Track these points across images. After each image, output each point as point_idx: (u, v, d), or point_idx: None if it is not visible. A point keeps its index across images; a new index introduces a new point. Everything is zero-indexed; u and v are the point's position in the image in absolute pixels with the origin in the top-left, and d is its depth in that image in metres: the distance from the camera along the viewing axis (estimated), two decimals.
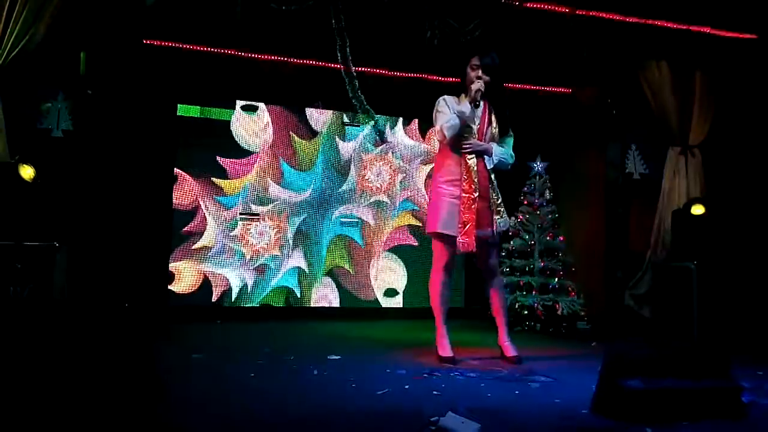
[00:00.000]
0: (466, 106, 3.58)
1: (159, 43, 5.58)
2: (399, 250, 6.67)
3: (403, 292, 6.63)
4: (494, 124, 3.77)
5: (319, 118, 6.55)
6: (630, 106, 5.84)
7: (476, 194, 3.56)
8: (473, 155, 3.62)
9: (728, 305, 4.72)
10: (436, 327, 3.69)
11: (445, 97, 3.74)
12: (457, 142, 3.61)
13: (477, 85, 3.57)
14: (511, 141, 3.85)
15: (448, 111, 3.62)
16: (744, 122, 5.55)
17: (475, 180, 3.58)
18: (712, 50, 5.45)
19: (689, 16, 5.20)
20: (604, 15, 4.98)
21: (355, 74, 4.82)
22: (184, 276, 5.96)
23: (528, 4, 4.96)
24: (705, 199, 5.26)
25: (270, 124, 6.37)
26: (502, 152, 3.74)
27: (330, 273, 6.42)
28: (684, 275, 4.76)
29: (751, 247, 5.23)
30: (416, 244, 6.71)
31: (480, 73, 3.61)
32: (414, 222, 6.74)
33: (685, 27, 5.22)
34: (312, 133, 6.51)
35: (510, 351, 3.67)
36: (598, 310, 5.75)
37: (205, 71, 5.87)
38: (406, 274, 6.65)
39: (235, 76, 5.99)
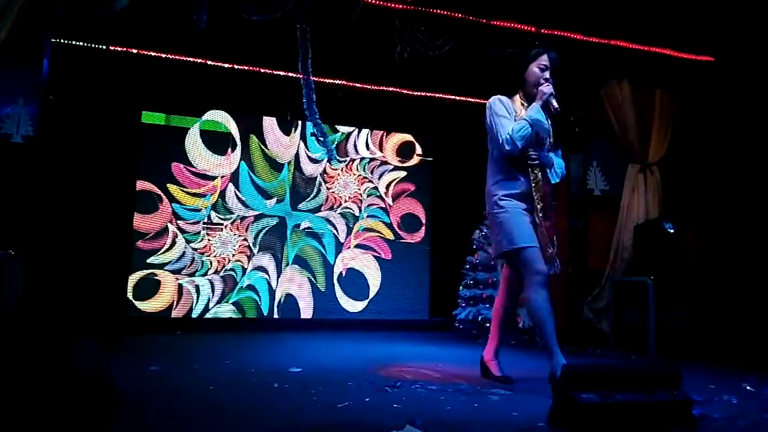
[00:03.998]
0: (537, 112, 3.11)
1: (124, 49, 5.51)
2: (368, 261, 6.68)
3: (369, 302, 6.62)
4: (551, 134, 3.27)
5: (287, 128, 6.54)
6: (592, 124, 5.97)
7: (542, 213, 3.14)
8: (538, 169, 3.16)
9: (685, 318, 4.85)
10: (553, 351, 3.12)
11: (501, 97, 3.23)
12: (522, 153, 3.13)
13: (549, 89, 3.12)
14: (560, 153, 3.33)
15: (508, 115, 3.16)
16: (701, 141, 5.73)
17: (541, 196, 3.15)
18: (672, 71, 5.62)
19: (650, 37, 5.36)
20: (568, 34, 5.10)
21: (313, 87, 4.82)
22: (145, 286, 5.86)
23: (495, 22, 5.05)
24: (668, 215, 5.40)
25: (237, 133, 6.33)
26: (561, 165, 3.26)
27: (295, 283, 6.39)
28: (641, 290, 4.87)
29: (707, 262, 5.39)
30: (389, 257, 6.72)
31: (548, 75, 3.17)
32: (384, 232, 6.75)
33: (645, 48, 5.37)
34: (279, 143, 6.50)
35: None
36: (558, 324, 5.82)
37: (171, 79, 5.82)
38: (372, 284, 6.66)
39: (202, 84, 5.96)
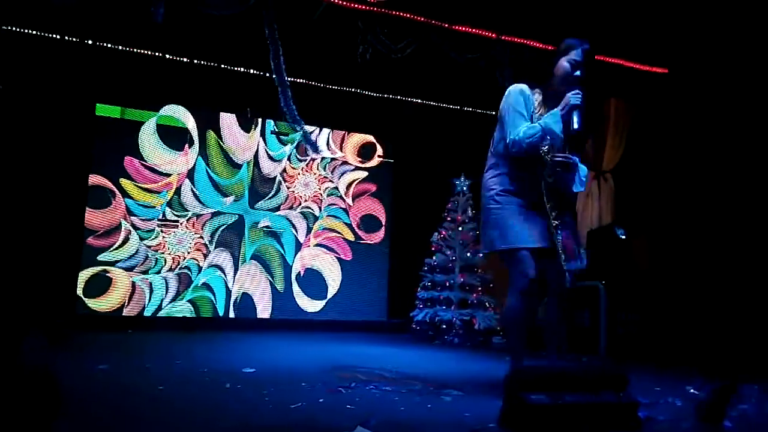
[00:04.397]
0: (555, 123, 2.70)
1: (79, 40, 5.37)
2: (327, 261, 6.64)
3: (327, 303, 6.59)
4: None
5: (246, 125, 6.46)
6: None
7: (557, 222, 2.84)
8: (555, 174, 2.84)
9: (634, 322, 4.98)
10: (516, 357, 2.99)
11: (524, 88, 2.85)
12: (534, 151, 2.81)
13: (577, 100, 2.70)
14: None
15: (525, 112, 2.81)
16: (654, 150, 5.90)
17: (556, 204, 2.84)
18: (627, 81, 5.77)
19: (606, 47, 5.49)
20: (526, 42, 5.19)
21: (288, 83, 4.78)
22: (96, 284, 5.70)
23: (456, 27, 5.10)
24: (621, 221, 5.54)
25: (195, 129, 6.23)
26: (585, 172, 2.90)
27: (253, 283, 6.31)
28: (592, 294, 4.98)
29: (657, 268, 5.54)
30: (348, 258, 6.71)
31: (579, 73, 2.78)
32: (344, 232, 6.73)
33: (601, 58, 5.49)
34: (238, 141, 6.42)
35: None
36: None
37: (128, 71, 5.69)
38: (331, 284, 6.63)
39: (160, 78, 5.84)
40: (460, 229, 5.94)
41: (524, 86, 2.87)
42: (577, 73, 2.76)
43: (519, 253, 2.83)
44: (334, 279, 6.64)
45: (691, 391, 3.38)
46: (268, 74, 5.01)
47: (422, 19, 5.11)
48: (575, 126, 2.69)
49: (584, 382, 2.38)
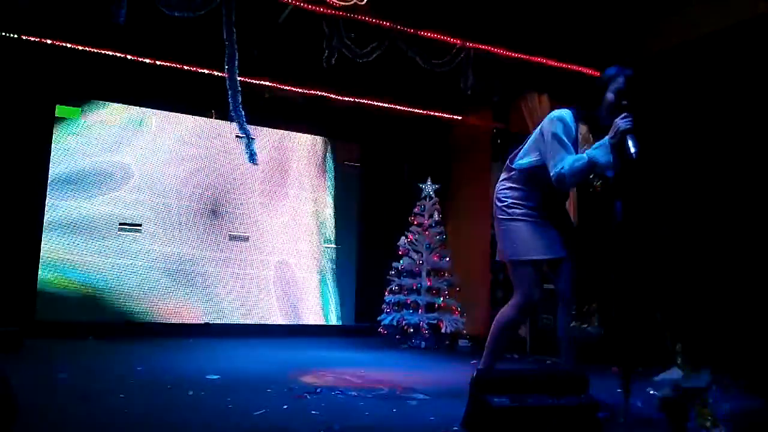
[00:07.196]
0: (605, 154, 2.59)
1: (40, 40, 5.24)
2: (295, 266, 6.59)
3: (296, 307, 6.54)
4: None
5: (212, 128, 6.37)
6: (513, 135, 6.15)
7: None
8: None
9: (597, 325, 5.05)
10: (488, 364, 2.97)
11: (568, 117, 2.73)
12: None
13: (626, 124, 2.54)
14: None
15: (569, 142, 2.69)
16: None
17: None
18: (587, 87, 5.87)
19: (568, 54, 5.58)
20: (491, 49, 5.23)
21: (239, 89, 4.71)
22: (55, 289, 5.56)
23: (422, 33, 5.12)
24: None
25: (159, 131, 6.12)
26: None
27: (217, 287, 6.23)
28: (556, 297, 5.04)
29: (619, 267, 5.62)
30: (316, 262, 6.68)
31: (626, 102, 2.63)
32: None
33: (563, 65, 5.58)
34: (205, 143, 6.33)
35: None
36: (479, 329, 5.96)
37: (89, 72, 5.56)
38: (299, 289, 6.59)
39: (126, 79, 5.72)
40: (426, 233, 5.98)
41: (566, 114, 2.75)
42: (624, 102, 2.62)
43: (527, 269, 2.85)
44: (301, 284, 6.60)
45: (651, 392, 3.46)
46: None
47: (388, 24, 5.12)
48: (632, 150, 2.49)
49: (546, 385, 2.41)
